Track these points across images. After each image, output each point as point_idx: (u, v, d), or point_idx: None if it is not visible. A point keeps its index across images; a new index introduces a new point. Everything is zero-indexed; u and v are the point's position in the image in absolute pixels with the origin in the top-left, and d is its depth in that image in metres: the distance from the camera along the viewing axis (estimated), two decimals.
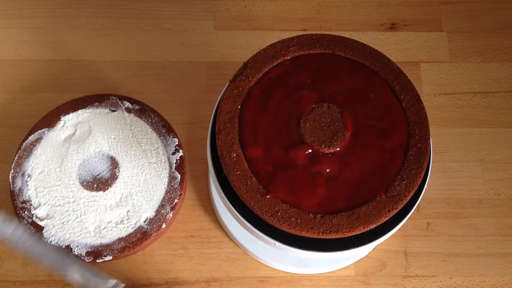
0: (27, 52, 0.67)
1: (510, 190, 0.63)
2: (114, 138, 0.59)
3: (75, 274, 0.49)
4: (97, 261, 0.54)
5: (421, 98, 0.48)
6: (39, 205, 0.56)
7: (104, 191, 0.57)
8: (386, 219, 0.44)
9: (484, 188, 0.63)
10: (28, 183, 0.57)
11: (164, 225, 0.56)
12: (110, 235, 0.55)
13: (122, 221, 0.56)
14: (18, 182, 0.57)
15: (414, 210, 0.51)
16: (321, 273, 0.60)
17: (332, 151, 0.45)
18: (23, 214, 0.56)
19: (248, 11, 0.70)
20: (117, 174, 0.57)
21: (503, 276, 0.60)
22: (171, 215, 0.56)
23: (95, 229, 0.55)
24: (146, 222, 0.56)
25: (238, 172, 0.45)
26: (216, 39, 0.69)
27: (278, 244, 0.46)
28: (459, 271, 0.60)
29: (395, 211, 0.44)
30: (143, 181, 0.57)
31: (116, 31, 0.69)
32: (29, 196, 0.57)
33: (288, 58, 0.49)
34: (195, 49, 0.68)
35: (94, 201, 0.56)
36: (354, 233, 0.44)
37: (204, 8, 0.70)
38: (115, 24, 0.69)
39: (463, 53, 0.69)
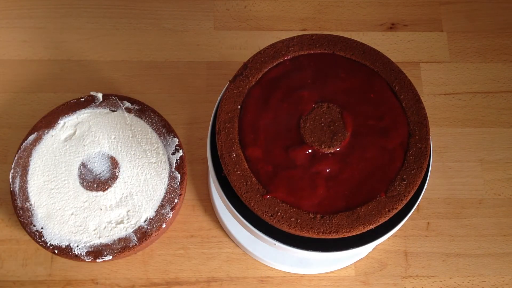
0: (27, 52, 0.67)
1: (510, 190, 0.63)
2: (114, 138, 0.59)
3: None
4: (97, 261, 0.54)
5: (421, 98, 0.48)
6: (39, 205, 0.56)
7: (104, 191, 0.57)
8: (386, 219, 0.44)
9: (484, 188, 0.63)
10: (28, 183, 0.57)
11: (164, 225, 0.56)
12: (110, 235, 0.55)
13: (122, 221, 0.56)
14: (18, 182, 0.57)
15: (414, 210, 0.51)
16: (321, 273, 0.60)
17: (332, 151, 0.45)
18: (23, 214, 0.56)
19: (248, 11, 0.70)
20: (117, 174, 0.57)
21: (503, 276, 0.60)
22: (171, 215, 0.56)
23: (95, 229, 0.55)
24: (146, 222, 0.56)
25: (238, 172, 0.45)
26: (216, 39, 0.69)
27: (278, 244, 0.46)
28: (459, 271, 0.60)
29: (395, 211, 0.44)
30: (143, 181, 0.57)
31: (116, 31, 0.69)
32: (29, 196, 0.57)
33: (288, 58, 0.49)
34: (195, 49, 0.68)
35: (94, 201, 0.56)
36: (354, 233, 0.44)
37: (204, 8, 0.70)
38: (115, 24, 0.69)
39: (463, 53, 0.69)
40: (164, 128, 0.59)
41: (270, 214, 0.44)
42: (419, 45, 0.69)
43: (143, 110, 0.60)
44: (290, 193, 0.44)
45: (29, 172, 0.57)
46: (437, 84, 0.67)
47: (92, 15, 0.69)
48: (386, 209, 0.44)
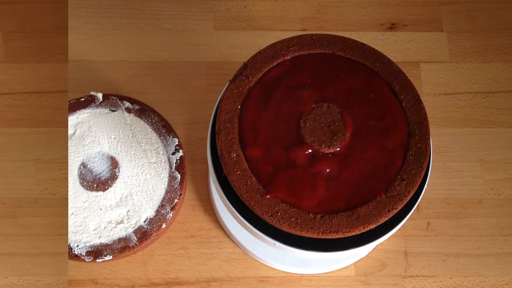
0: None
1: (510, 190, 0.63)
2: (114, 138, 0.59)
3: None
4: (97, 261, 0.54)
5: (421, 98, 0.48)
6: None
7: (104, 191, 0.57)
8: (386, 219, 0.44)
9: (484, 188, 0.63)
10: None
11: (164, 225, 0.56)
12: (110, 235, 0.55)
13: (122, 221, 0.56)
14: None
15: (414, 210, 0.51)
16: (321, 273, 0.60)
17: (332, 151, 0.45)
18: None
19: (248, 11, 0.70)
20: (117, 174, 0.57)
21: (503, 276, 0.60)
22: (171, 215, 0.56)
23: (95, 229, 0.55)
24: (146, 222, 0.56)
25: (238, 172, 0.45)
26: (216, 39, 0.69)
27: (278, 244, 0.46)
28: (459, 271, 0.60)
29: (395, 211, 0.44)
30: (143, 181, 0.57)
31: (116, 31, 0.69)
32: None
33: (288, 58, 0.49)
34: (195, 49, 0.68)
35: (94, 201, 0.56)
36: (354, 233, 0.44)
37: (204, 8, 0.70)
38: (115, 24, 0.69)
39: (463, 53, 0.69)
40: (164, 128, 0.59)
41: (270, 214, 0.44)
42: (419, 45, 0.69)
43: (143, 110, 0.60)
44: (290, 193, 0.44)
45: None
46: (437, 84, 0.67)
47: (92, 15, 0.69)
48: (386, 209, 0.44)
